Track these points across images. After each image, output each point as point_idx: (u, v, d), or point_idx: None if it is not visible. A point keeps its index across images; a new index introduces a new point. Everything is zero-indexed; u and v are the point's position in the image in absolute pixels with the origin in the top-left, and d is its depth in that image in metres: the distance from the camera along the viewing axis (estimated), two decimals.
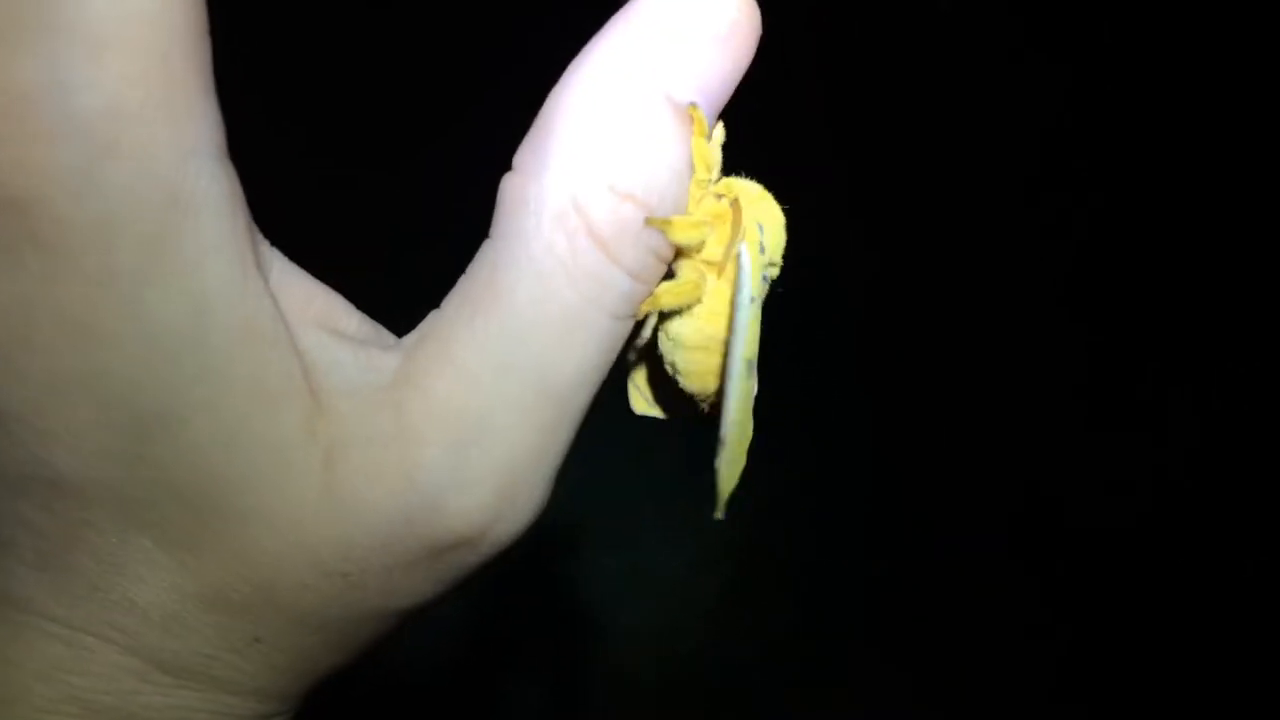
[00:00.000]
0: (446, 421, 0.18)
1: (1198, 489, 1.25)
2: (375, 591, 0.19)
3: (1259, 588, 1.18)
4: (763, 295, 0.21)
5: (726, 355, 0.20)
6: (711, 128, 0.19)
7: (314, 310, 0.20)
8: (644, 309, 0.19)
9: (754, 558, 1.21)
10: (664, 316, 0.21)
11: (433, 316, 0.20)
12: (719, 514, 0.21)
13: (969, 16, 1.38)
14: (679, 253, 0.20)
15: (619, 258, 0.18)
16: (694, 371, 0.22)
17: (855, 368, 1.27)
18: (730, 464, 0.21)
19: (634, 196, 0.18)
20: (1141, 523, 1.24)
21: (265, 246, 0.19)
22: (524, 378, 0.18)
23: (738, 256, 0.19)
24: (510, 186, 0.19)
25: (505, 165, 0.19)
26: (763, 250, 0.20)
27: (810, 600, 1.19)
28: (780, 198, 0.21)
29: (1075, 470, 1.28)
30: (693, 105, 0.18)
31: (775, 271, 0.21)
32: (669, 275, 0.20)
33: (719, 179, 0.20)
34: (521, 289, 0.18)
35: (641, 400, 0.26)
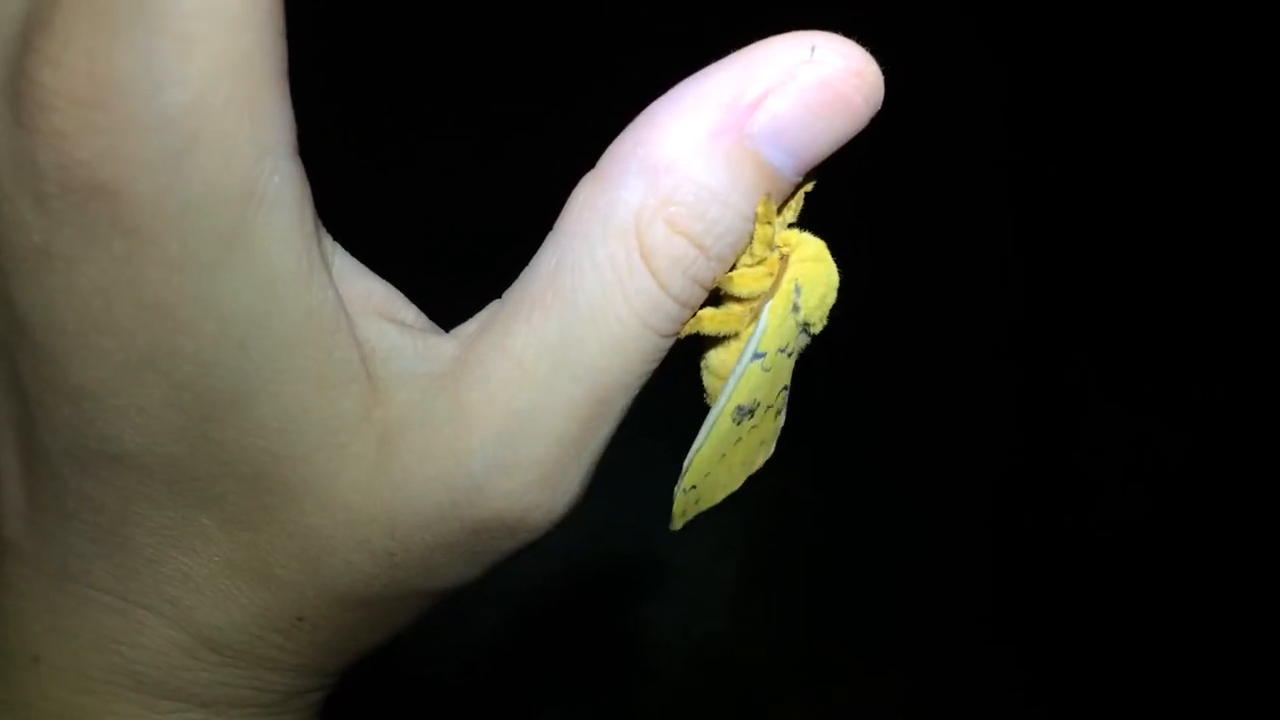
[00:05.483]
0: (499, 410, 0.19)
1: (1196, 484, 1.24)
2: (416, 571, 0.20)
3: (1259, 587, 1.18)
4: (799, 347, 0.22)
5: (719, 395, 0.21)
6: (800, 182, 0.19)
7: (374, 302, 0.20)
8: (686, 330, 0.20)
9: (773, 545, 1.22)
10: (706, 342, 0.22)
11: (493, 307, 0.20)
12: (674, 527, 0.23)
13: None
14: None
15: (667, 285, 0.19)
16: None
17: (862, 362, 1.27)
18: (687, 493, 0.22)
19: (690, 234, 0.18)
20: (1145, 520, 1.23)
21: (328, 240, 0.20)
22: (574, 376, 0.19)
23: (759, 314, 0.20)
24: (586, 189, 0.19)
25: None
26: (796, 309, 0.20)
27: (831, 587, 1.20)
28: None
29: (1098, 464, 1.28)
30: (766, 197, 0.18)
31: (819, 328, 0.22)
32: (716, 301, 0.21)
33: (789, 225, 0.21)
34: (581, 294, 0.19)
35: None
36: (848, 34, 0.19)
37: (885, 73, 0.18)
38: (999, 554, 1.22)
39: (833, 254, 0.21)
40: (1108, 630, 1.18)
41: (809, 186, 0.20)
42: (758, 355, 0.21)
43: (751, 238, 0.19)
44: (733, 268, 0.20)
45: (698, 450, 0.21)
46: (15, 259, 0.17)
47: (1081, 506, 1.26)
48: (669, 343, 0.20)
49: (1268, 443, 1.26)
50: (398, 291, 0.21)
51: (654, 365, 0.20)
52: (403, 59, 1.30)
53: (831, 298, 0.21)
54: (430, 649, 1.02)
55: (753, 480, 0.24)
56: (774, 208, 0.19)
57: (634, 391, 0.20)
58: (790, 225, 0.20)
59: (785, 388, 0.23)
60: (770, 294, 0.20)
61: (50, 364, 0.18)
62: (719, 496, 0.24)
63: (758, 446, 0.24)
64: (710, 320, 0.20)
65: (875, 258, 1.30)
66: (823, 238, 0.21)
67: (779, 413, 0.24)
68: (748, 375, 0.21)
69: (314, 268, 0.18)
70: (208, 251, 0.17)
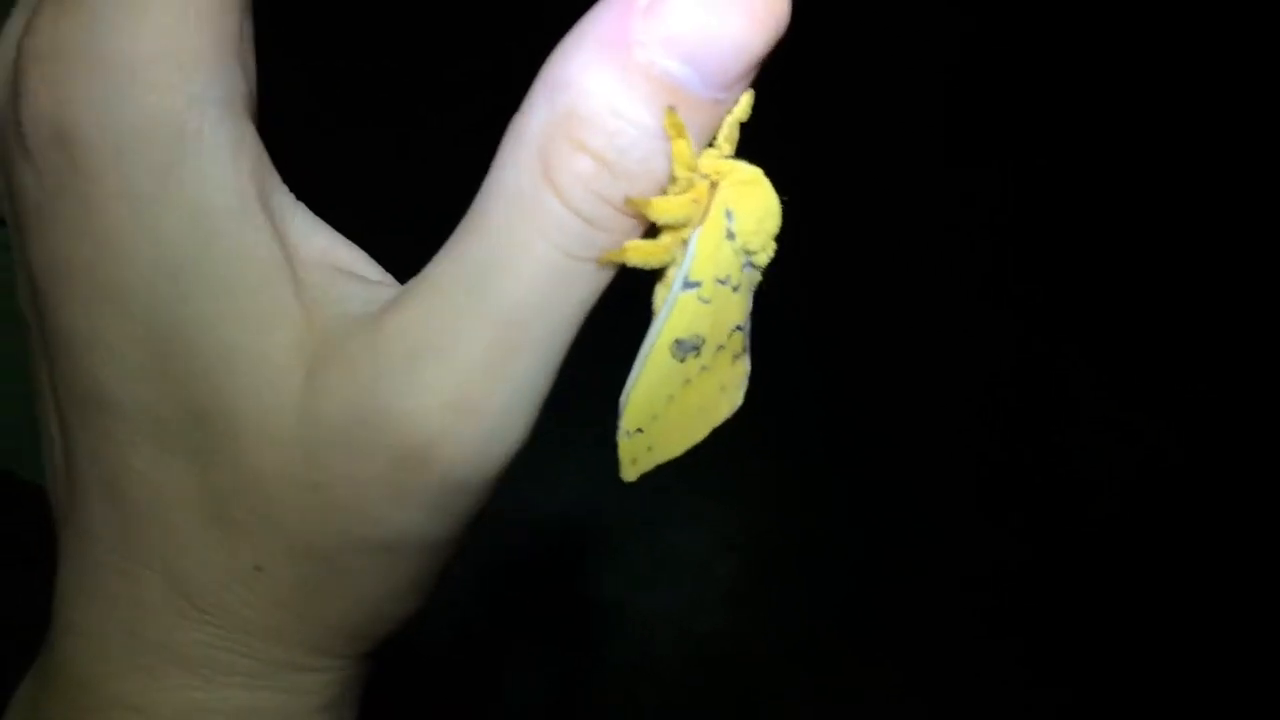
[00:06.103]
0: (410, 336, 0.19)
1: (1195, 484, 1.25)
2: (351, 511, 0.19)
3: (1257, 586, 1.17)
4: (747, 281, 0.21)
5: (649, 330, 0.20)
6: (730, 101, 0.18)
7: (331, 256, 0.21)
8: (610, 258, 0.19)
9: (773, 543, 1.22)
10: (655, 280, 0.21)
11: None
12: (625, 476, 0.22)
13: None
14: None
15: (569, 201, 0.18)
16: None
17: (862, 363, 1.27)
18: (632, 436, 0.21)
19: (591, 150, 0.18)
20: (1143, 519, 1.24)
21: (289, 199, 0.21)
22: (485, 300, 0.18)
23: (686, 242, 0.19)
24: (513, 120, 0.19)
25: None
26: (731, 236, 0.20)
27: (830, 585, 1.20)
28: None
29: (1096, 464, 1.28)
30: (670, 110, 0.18)
31: (764, 258, 0.21)
32: (653, 233, 0.20)
33: (727, 155, 0.19)
34: (492, 216, 0.18)
35: None
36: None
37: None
38: (997, 553, 1.22)
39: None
40: (1105, 628, 1.18)
41: (741, 114, 0.19)
42: (690, 284, 0.20)
43: (671, 160, 0.18)
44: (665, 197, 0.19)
45: (633, 387, 0.21)
46: (26, 217, 0.19)
47: (1080, 506, 1.26)
48: (586, 268, 0.19)
49: (1266, 442, 1.25)
50: (366, 254, 0.22)
51: (574, 292, 0.19)
52: (401, 55, 1.30)
53: (771, 223, 0.20)
54: (420, 643, 1.01)
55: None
56: (681, 123, 0.18)
57: (555, 319, 0.19)
58: (727, 158, 0.19)
59: (739, 327, 0.22)
60: (700, 220, 0.19)
61: (51, 316, 0.19)
62: (678, 447, 0.22)
63: (717, 393, 0.22)
64: (636, 251, 0.19)
65: (872, 258, 1.30)
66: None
67: (737, 356, 0.22)
68: (681, 306, 0.20)
69: (248, 208, 0.19)
70: (144, 184, 0.18)
